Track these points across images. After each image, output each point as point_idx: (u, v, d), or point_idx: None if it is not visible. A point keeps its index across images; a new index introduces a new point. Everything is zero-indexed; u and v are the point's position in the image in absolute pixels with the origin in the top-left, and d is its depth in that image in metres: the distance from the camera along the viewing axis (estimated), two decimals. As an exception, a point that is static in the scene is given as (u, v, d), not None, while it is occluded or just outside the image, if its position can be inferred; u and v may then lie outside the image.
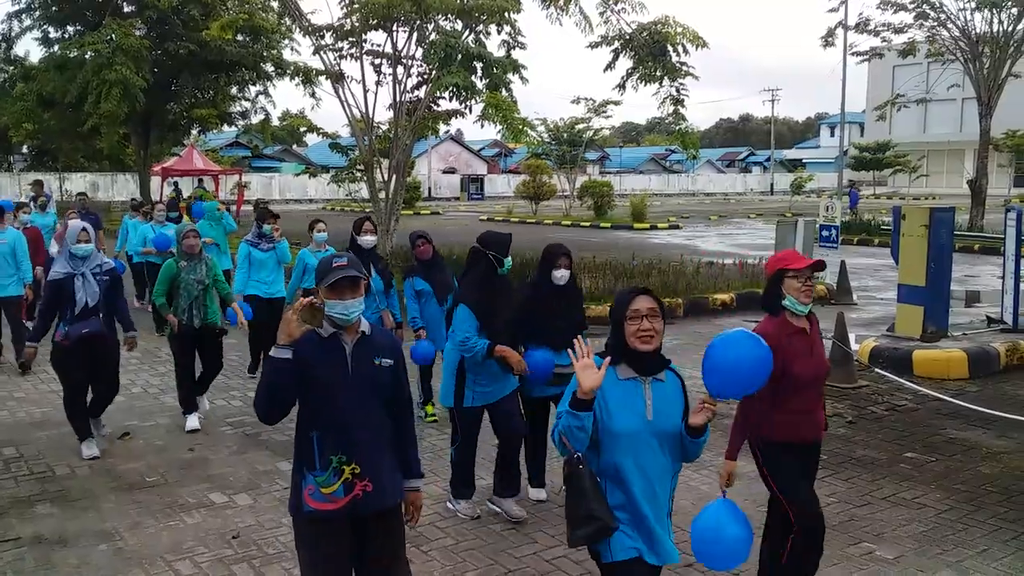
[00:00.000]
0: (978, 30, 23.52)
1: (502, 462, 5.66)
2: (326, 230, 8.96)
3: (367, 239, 7.46)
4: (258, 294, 9.07)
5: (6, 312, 9.91)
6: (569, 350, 3.13)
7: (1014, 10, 22.75)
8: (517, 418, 5.61)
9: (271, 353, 3.29)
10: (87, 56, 24.02)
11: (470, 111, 16.97)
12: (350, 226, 7.64)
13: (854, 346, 9.67)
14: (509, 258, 5.63)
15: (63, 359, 6.77)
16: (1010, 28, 23.00)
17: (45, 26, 27.79)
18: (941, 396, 8.30)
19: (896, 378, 8.87)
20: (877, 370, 9.22)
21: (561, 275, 5.56)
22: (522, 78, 16.89)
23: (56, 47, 27.36)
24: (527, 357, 5.44)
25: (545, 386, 5.60)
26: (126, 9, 26.76)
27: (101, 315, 6.70)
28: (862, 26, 25.30)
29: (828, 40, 26.05)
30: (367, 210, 17.92)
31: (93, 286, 6.67)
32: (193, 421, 7.53)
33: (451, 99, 16.29)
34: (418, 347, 7.11)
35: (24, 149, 47.97)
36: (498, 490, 5.70)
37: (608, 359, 3.10)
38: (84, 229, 6.66)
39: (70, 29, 27.81)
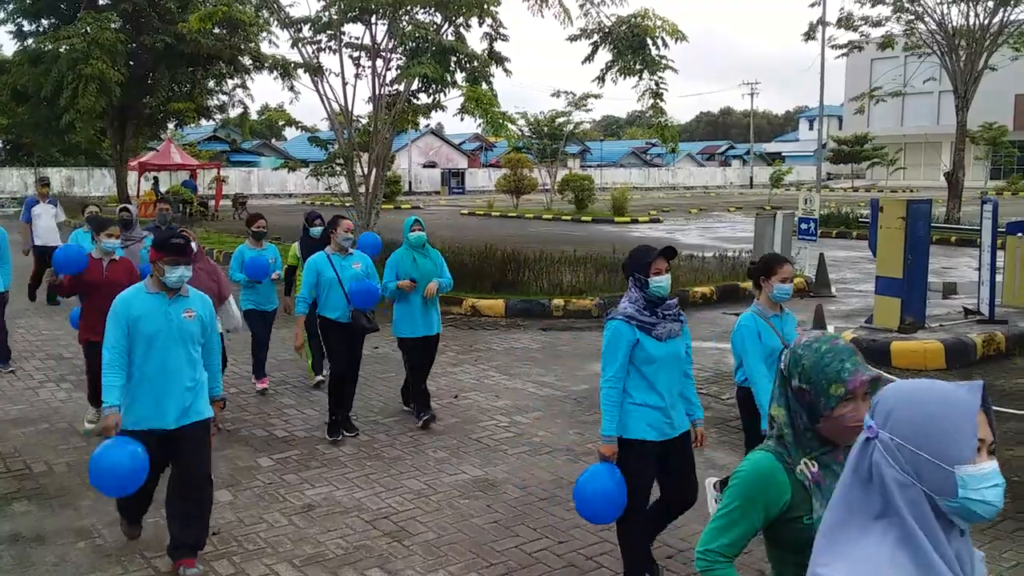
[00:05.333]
0: (955, 23, 23.75)
1: None
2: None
3: None
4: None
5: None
6: None
7: (990, 3, 22.98)
8: None
9: None
10: (62, 50, 23.74)
11: (439, 104, 16.98)
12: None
13: (833, 338, 9.75)
14: None
15: None
16: (986, 21, 23.23)
17: (19, 19, 27.39)
18: (918, 387, 8.36)
19: (874, 369, 8.93)
20: (855, 361, 9.28)
21: None
22: (506, 70, 16.91)
23: (30, 40, 27.02)
24: None
25: None
26: (101, 2, 26.44)
27: None
28: (844, 21, 25.44)
29: (810, 35, 26.21)
30: (347, 204, 17.85)
31: None
32: None
33: (421, 89, 16.31)
34: None
35: (-1, 143, 47.50)
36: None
37: None
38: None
39: (44, 22, 27.44)
